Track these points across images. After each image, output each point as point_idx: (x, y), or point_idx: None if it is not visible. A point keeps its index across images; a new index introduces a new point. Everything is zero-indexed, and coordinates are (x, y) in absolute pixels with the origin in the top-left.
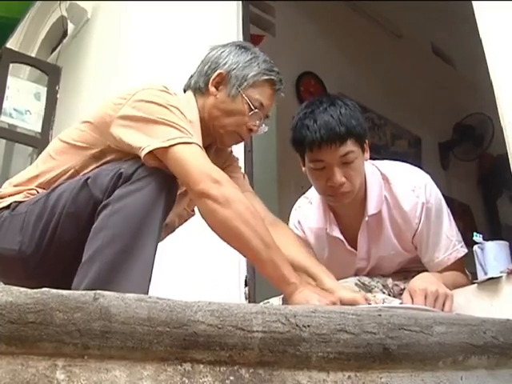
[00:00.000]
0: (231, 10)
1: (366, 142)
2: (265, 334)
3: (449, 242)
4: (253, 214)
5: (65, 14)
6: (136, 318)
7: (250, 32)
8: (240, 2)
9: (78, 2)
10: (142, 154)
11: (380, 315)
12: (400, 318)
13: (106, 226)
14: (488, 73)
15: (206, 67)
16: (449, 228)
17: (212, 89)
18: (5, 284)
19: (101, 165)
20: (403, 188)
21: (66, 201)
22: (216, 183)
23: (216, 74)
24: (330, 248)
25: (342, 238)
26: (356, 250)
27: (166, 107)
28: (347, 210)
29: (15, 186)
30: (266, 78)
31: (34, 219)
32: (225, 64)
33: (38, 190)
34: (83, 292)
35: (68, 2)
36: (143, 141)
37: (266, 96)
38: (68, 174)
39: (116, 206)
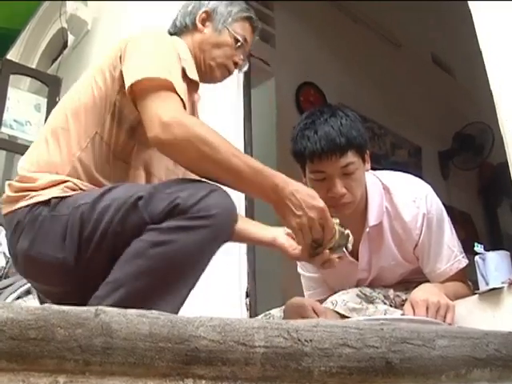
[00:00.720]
0: None
1: (367, 152)
2: (267, 349)
3: (450, 253)
4: (211, 134)
5: (65, 25)
6: (137, 334)
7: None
8: None
9: (78, 14)
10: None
11: (382, 329)
12: (402, 332)
13: (145, 255)
14: (487, 81)
15: (190, 8)
16: (450, 238)
17: (199, 25)
18: (35, 287)
19: (120, 125)
20: (404, 199)
21: (112, 217)
22: (165, 126)
23: (202, 11)
24: None
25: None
26: (357, 260)
27: (166, 47)
28: (348, 221)
29: (41, 171)
30: (246, 14)
31: (77, 227)
32: (209, 3)
33: (74, 181)
34: (84, 308)
35: (68, 13)
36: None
37: (248, 32)
38: (94, 144)
39: (162, 237)
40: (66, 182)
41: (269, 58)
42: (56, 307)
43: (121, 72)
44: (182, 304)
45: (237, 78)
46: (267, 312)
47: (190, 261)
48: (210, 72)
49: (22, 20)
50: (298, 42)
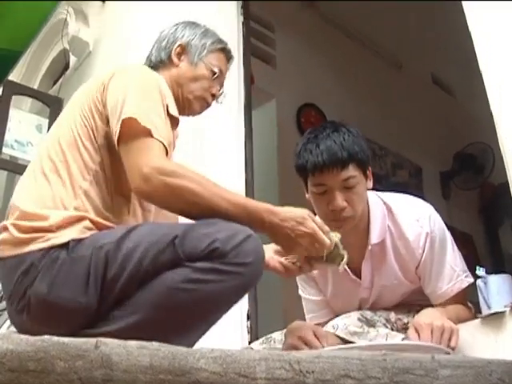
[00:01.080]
0: (232, 45)
1: (369, 169)
2: (268, 381)
3: (452, 273)
4: (191, 180)
5: (67, 46)
6: (138, 366)
7: (250, 64)
8: (241, 35)
9: (79, 35)
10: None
11: (385, 359)
12: (405, 362)
13: (172, 288)
14: (487, 101)
15: (164, 42)
16: (453, 258)
17: (175, 59)
18: (25, 329)
19: (116, 159)
20: (407, 218)
21: (142, 256)
22: (145, 179)
23: (176, 45)
24: (334, 279)
25: (345, 267)
26: (360, 279)
27: (153, 86)
28: (350, 239)
29: (48, 207)
30: (220, 46)
31: (102, 268)
32: (183, 36)
33: (91, 218)
34: (84, 340)
35: (70, 34)
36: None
37: (222, 63)
38: (96, 178)
39: (195, 275)
40: (82, 219)
41: (270, 80)
42: (56, 338)
43: (106, 106)
44: (195, 342)
45: (238, 100)
46: (268, 335)
47: (216, 304)
48: (189, 106)
49: (24, 42)
50: (299, 64)
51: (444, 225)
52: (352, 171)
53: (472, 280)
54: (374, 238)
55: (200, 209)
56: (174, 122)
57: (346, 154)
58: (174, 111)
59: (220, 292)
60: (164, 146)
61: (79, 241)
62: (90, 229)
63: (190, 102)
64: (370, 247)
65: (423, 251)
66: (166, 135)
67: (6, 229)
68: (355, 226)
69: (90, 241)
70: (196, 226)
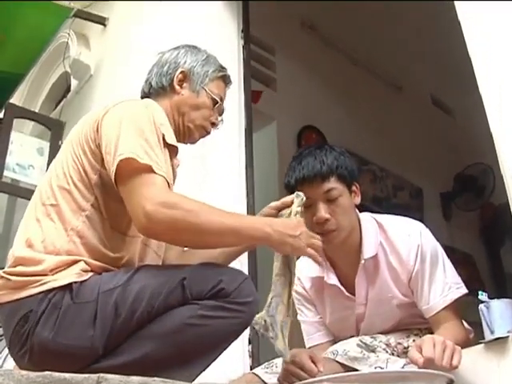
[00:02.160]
0: (232, 68)
1: (356, 185)
2: None
3: (444, 285)
4: (195, 210)
5: (68, 69)
6: None
7: (250, 87)
8: (241, 58)
9: (81, 59)
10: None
11: None
12: None
13: (179, 323)
14: (487, 122)
15: (166, 68)
16: (444, 271)
17: (177, 87)
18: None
19: (111, 197)
20: (399, 234)
21: (152, 297)
22: (149, 217)
23: (178, 72)
24: (330, 298)
25: (339, 284)
26: (354, 295)
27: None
28: (343, 256)
29: (39, 251)
30: (221, 74)
31: (111, 314)
32: (185, 63)
33: (86, 260)
34: (86, 376)
35: (72, 57)
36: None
37: (223, 91)
38: (90, 217)
39: (202, 312)
40: (76, 262)
41: (270, 102)
42: (57, 374)
43: (100, 144)
44: (197, 375)
45: (238, 123)
46: (270, 361)
47: (220, 338)
48: (189, 134)
49: (26, 65)
50: (299, 86)
51: (436, 241)
52: (333, 183)
53: (465, 291)
54: (367, 252)
55: (205, 239)
56: (173, 151)
57: (325, 167)
58: (171, 140)
59: (224, 327)
60: (166, 179)
61: (81, 283)
62: (86, 271)
63: (190, 131)
64: (362, 261)
65: (414, 264)
66: (166, 168)
67: (1, 277)
68: (347, 242)
69: (94, 285)
70: (200, 268)
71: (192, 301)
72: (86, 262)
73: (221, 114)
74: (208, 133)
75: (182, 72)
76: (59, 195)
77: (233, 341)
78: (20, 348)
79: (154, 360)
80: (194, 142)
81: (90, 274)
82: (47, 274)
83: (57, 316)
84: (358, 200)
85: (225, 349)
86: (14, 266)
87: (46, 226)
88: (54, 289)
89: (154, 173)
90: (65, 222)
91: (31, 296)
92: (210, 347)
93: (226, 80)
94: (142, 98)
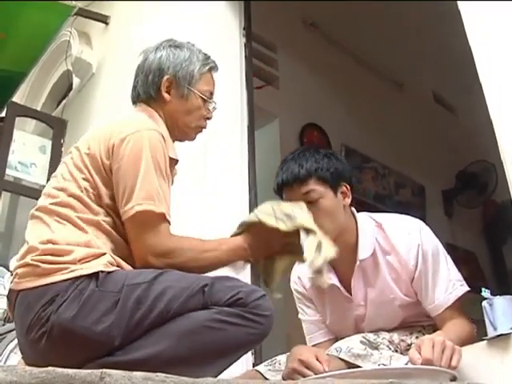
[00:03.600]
0: (234, 66)
1: (346, 186)
2: None
3: (447, 282)
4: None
5: (70, 68)
6: None
7: (252, 85)
8: (243, 56)
9: (83, 57)
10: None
11: None
12: None
13: (197, 324)
14: (490, 119)
15: (151, 77)
16: (447, 269)
17: (165, 95)
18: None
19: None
20: (398, 233)
21: (172, 298)
22: (157, 259)
23: (164, 80)
24: (330, 298)
25: (337, 284)
26: (351, 295)
27: (152, 162)
28: (339, 257)
29: (67, 244)
30: (206, 68)
31: (131, 307)
32: (168, 68)
33: (111, 254)
34: (89, 371)
35: (74, 56)
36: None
37: (211, 83)
38: (100, 226)
39: (220, 316)
40: (103, 254)
41: (272, 100)
42: (60, 370)
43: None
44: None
45: (240, 121)
46: (273, 358)
47: (234, 345)
48: (185, 136)
49: (28, 63)
50: (302, 84)
51: (436, 239)
52: (312, 185)
53: (467, 288)
54: (362, 253)
55: (200, 270)
56: (173, 163)
57: (303, 170)
58: (173, 154)
59: (239, 335)
60: (169, 222)
61: (107, 273)
62: (112, 264)
63: (186, 133)
64: (357, 263)
65: (416, 263)
66: (169, 212)
67: (27, 265)
68: (341, 243)
69: (120, 277)
70: (222, 279)
71: (211, 306)
72: (111, 256)
73: (213, 103)
74: (204, 128)
75: (167, 79)
76: (74, 202)
77: (246, 350)
78: (39, 329)
79: (167, 358)
80: (190, 140)
81: (116, 267)
82: (76, 263)
83: (80, 300)
84: (348, 201)
85: (236, 357)
86: (43, 255)
87: (63, 227)
88: (81, 276)
89: (164, 220)
90: (84, 223)
91: (59, 282)
92: (222, 352)
93: (212, 69)
94: (134, 102)
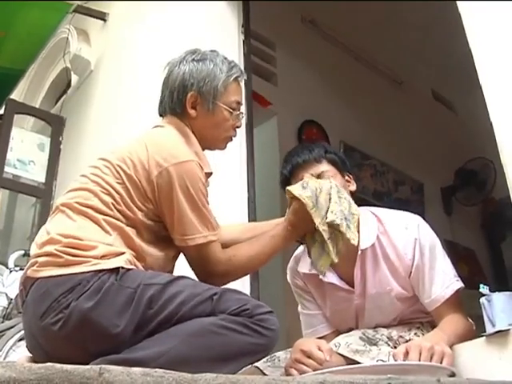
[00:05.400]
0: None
1: (349, 175)
2: None
3: (444, 276)
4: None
5: (69, 65)
6: None
7: (251, 82)
8: (242, 53)
9: (81, 54)
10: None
11: (390, 383)
12: None
13: (202, 327)
14: (488, 116)
15: (176, 93)
16: (444, 263)
17: (191, 111)
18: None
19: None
20: (396, 226)
21: (183, 302)
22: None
23: (189, 96)
24: (329, 291)
25: (337, 282)
26: (353, 287)
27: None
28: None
29: (91, 240)
30: (231, 79)
31: (144, 304)
32: (192, 85)
33: (130, 252)
34: (88, 367)
35: (72, 53)
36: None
37: (237, 93)
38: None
39: (225, 323)
40: (124, 253)
41: (271, 97)
42: (59, 366)
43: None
44: None
45: None
46: (272, 354)
47: (237, 353)
48: (215, 146)
49: (27, 60)
50: (300, 81)
51: (433, 233)
52: (326, 166)
53: (462, 285)
54: (364, 243)
55: (260, 264)
56: (207, 176)
57: (316, 151)
58: (207, 169)
59: (241, 343)
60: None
61: (127, 270)
62: (131, 263)
63: (215, 145)
64: (359, 252)
65: (413, 257)
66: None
67: (49, 254)
68: None
69: (137, 276)
70: (232, 291)
71: (218, 313)
72: (131, 254)
73: (242, 113)
74: (234, 136)
75: (192, 95)
76: (104, 208)
77: (248, 360)
78: (56, 314)
79: (170, 359)
80: (221, 150)
81: (134, 267)
82: (98, 258)
83: (101, 291)
84: (353, 187)
85: (239, 365)
86: (67, 247)
87: (90, 224)
88: (103, 270)
89: (215, 242)
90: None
91: (82, 273)
92: (223, 357)
93: (238, 78)
94: (161, 115)
